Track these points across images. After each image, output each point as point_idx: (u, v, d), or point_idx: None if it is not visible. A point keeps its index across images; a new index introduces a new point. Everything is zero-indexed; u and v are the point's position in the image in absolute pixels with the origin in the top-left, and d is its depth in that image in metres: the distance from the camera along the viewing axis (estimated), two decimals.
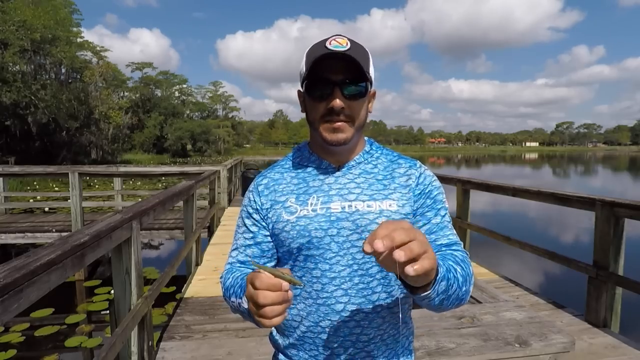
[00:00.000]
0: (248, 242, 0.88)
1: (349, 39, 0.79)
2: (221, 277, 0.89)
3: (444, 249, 0.82)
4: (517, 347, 1.95)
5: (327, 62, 0.77)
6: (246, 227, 0.89)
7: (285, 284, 0.62)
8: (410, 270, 0.53)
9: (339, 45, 0.77)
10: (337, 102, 0.77)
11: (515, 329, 2.14)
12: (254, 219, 0.88)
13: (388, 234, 0.53)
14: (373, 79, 0.84)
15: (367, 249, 0.54)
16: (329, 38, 0.80)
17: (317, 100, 0.80)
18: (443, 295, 0.67)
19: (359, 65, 0.76)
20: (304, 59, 0.82)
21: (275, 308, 0.61)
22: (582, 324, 2.96)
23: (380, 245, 0.52)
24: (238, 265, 0.89)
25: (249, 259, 0.88)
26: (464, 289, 0.72)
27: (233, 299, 0.79)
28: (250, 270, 0.83)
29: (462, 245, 0.86)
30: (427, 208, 0.85)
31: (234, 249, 0.91)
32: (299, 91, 0.88)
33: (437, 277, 0.64)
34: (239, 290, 0.78)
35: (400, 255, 0.52)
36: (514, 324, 2.20)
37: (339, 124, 0.79)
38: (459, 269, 0.73)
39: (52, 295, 1.52)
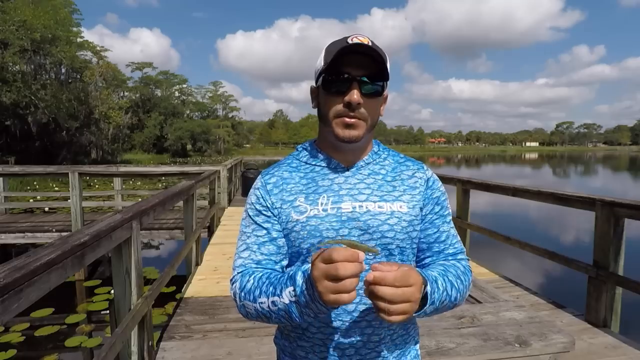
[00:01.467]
0: (262, 239, 0.83)
1: (369, 39, 0.79)
2: (233, 281, 0.83)
3: (449, 258, 0.88)
4: (517, 347, 1.95)
5: (347, 57, 0.77)
6: (257, 224, 0.85)
7: (362, 255, 0.61)
8: (385, 317, 0.63)
9: (361, 42, 0.77)
10: (355, 97, 0.76)
11: (515, 329, 2.14)
12: (265, 215, 0.84)
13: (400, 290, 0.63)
14: (388, 82, 0.84)
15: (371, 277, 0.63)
16: (350, 35, 0.79)
17: (333, 95, 0.80)
18: (433, 312, 0.76)
19: (381, 61, 0.76)
20: (323, 53, 0.82)
21: (354, 280, 0.60)
22: (582, 324, 2.96)
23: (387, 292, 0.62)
24: (254, 266, 0.83)
25: (265, 258, 0.83)
26: (457, 301, 0.80)
27: (262, 299, 0.74)
28: (270, 270, 0.81)
29: (464, 250, 0.91)
30: (436, 215, 0.88)
31: (244, 250, 0.84)
32: (312, 87, 0.88)
33: (424, 308, 0.71)
34: (271, 288, 0.73)
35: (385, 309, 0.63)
36: (514, 324, 2.20)
37: (354, 120, 0.79)
38: (457, 284, 0.79)
39: (52, 295, 1.52)
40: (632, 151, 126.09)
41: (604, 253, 2.94)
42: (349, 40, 0.77)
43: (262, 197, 0.86)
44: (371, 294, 0.63)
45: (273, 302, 0.72)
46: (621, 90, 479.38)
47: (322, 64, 0.81)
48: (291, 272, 0.72)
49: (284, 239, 0.84)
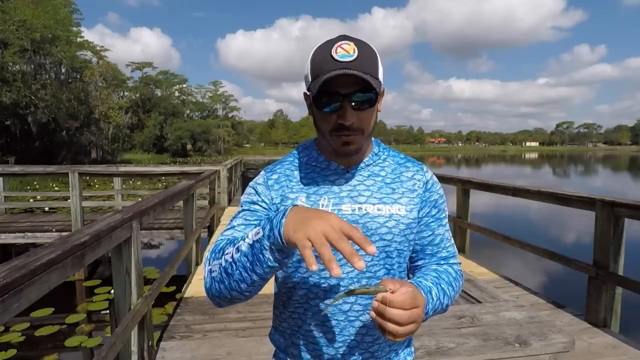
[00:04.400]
0: (250, 221, 0.81)
1: (355, 44, 0.75)
2: (207, 258, 0.78)
3: (442, 262, 0.90)
4: (517, 347, 1.95)
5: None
6: (250, 210, 0.83)
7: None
8: (391, 339, 0.65)
9: (346, 54, 0.73)
10: (348, 118, 0.75)
11: (515, 328, 2.14)
12: (260, 206, 0.83)
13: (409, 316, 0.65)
14: (382, 79, 0.81)
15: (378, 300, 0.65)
16: (334, 44, 0.75)
17: (326, 112, 0.78)
18: (424, 320, 0.76)
19: (371, 73, 0.74)
20: (309, 64, 0.79)
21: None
22: (582, 323, 2.96)
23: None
24: (232, 239, 0.77)
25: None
26: (447, 307, 0.83)
27: (229, 249, 0.70)
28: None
29: (458, 252, 0.95)
30: (432, 218, 0.88)
31: (229, 229, 0.81)
32: (305, 93, 0.85)
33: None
34: (240, 239, 0.70)
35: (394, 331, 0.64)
36: (514, 324, 2.20)
37: (350, 137, 0.78)
38: (448, 291, 0.82)
39: (52, 295, 1.52)
40: (632, 151, 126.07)
41: (604, 253, 2.94)
42: (334, 53, 0.74)
43: (262, 192, 0.85)
44: (379, 315, 0.64)
45: (237, 248, 0.68)
46: (622, 90, 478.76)
47: (310, 75, 0.78)
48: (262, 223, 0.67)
49: None
